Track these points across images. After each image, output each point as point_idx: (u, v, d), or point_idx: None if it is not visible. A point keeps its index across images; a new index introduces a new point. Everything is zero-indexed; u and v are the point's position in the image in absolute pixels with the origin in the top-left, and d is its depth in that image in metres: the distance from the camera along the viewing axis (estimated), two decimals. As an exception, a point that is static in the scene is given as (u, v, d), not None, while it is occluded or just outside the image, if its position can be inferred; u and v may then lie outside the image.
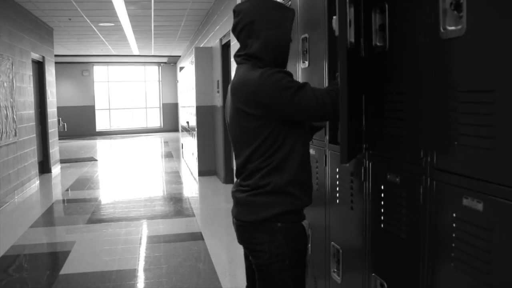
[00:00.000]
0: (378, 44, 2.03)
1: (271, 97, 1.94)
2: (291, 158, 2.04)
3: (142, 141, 18.99)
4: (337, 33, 1.86)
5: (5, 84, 7.79)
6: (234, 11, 2.10)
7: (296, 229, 2.10)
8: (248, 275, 2.39)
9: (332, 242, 2.62)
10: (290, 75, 2.02)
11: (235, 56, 2.15)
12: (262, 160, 2.04)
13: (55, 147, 11.51)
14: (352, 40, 1.94)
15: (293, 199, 2.06)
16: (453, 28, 1.54)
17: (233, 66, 7.34)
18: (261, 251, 2.09)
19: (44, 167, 10.70)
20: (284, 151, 2.03)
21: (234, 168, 2.20)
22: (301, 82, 2.01)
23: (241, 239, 2.20)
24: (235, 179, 2.21)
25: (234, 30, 2.11)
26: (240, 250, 5.09)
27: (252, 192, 2.07)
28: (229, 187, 8.67)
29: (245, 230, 2.14)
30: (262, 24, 2.03)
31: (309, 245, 2.21)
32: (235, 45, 7.17)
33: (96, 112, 21.67)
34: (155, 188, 9.29)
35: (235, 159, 2.18)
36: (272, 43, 2.04)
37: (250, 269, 2.29)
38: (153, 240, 5.57)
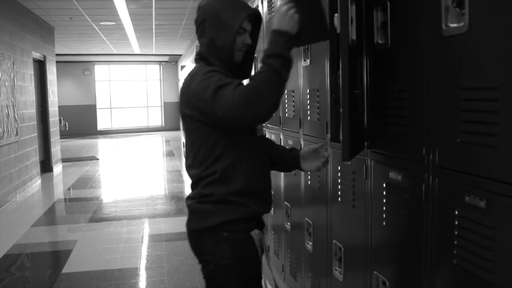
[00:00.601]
0: (380, 41, 2.02)
1: (194, 96, 1.87)
2: (238, 170, 1.93)
3: (143, 140, 19.00)
4: (338, 30, 1.86)
5: (6, 83, 7.80)
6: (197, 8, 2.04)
7: (243, 239, 1.98)
8: None
9: (334, 240, 2.62)
10: (227, 75, 1.90)
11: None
12: (204, 168, 1.95)
13: (57, 146, 11.52)
14: (354, 37, 1.93)
15: (240, 207, 1.95)
16: (455, 25, 1.54)
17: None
18: (206, 261, 2.01)
19: (46, 166, 10.71)
20: (227, 162, 1.91)
21: None
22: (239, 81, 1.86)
23: (191, 248, 2.09)
24: None
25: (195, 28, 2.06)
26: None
27: (198, 200, 1.99)
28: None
29: (192, 238, 2.05)
30: (211, 23, 1.95)
31: (265, 256, 2.10)
32: (236, 44, 7.16)
33: (98, 111, 21.67)
34: (156, 187, 9.30)
35: None
36: (215, 44, 1.95)
37: None
38: (155, 239, 5.58)
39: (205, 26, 1.98)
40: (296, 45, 1.92)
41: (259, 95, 1.75)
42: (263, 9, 3.90)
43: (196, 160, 1.98)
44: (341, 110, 1.84)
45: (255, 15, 2.04)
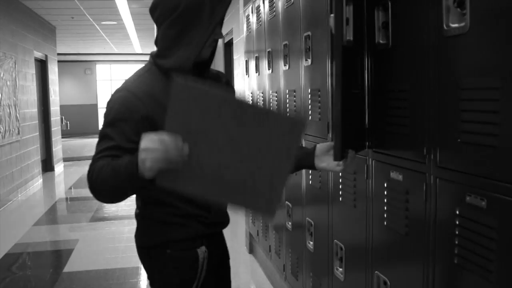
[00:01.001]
0: (381, 41, 2.02)
1: None
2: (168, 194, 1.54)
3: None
4: (333, 31, 1.85)
5: (8, 82, 7.81)
6: None
7: (190, 257, 1.83)
8: None
9: (335, 240, 2.62)
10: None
11: None
12: None
13: (58, 146, 11.53)
14: (351, 38, 1.93)
15: (184, 228, 1.80)
16: (456, 25, 1.54)
17: (236, 64, 7.35)
18: (151, 279, 1.88)
19: (47, 166, 10.72)
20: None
21: None
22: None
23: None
24: None
25: None
26: (241, 247, 5.10)
27: (141, 215, 1.88)
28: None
29: (139, 254, 1.92)
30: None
31: (200, 276, 1.87)
32: (237, 43, 7.17)
33: (99, 110, 21.67)
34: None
35: None
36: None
37: None
38: (156, 238, 5.58)
39: (164, 17, 1.72)
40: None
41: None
42: (264, 8, 3.91)
43: None
44: (332, 109, 1.77)
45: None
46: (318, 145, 1.86)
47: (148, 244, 1.86)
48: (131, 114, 1.62)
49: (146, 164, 1.36)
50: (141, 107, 1.63)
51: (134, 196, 1.82)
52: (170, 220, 1.80)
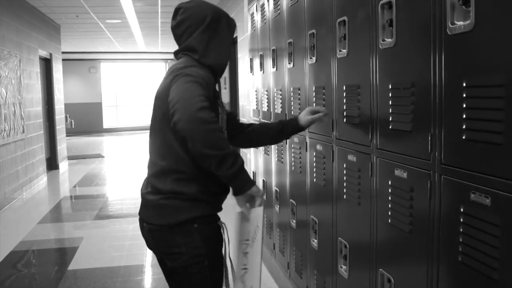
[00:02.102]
0: (386, 39, 2.02)
1: None
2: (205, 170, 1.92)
3: (147, 137, 18.99)
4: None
5: (13, 81, 7.83)
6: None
7: (213, 228, 2.08)
8: (168, 281, 2.23)
9: (339, 238, 2.62)
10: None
11: None
12: (174, 163, 2.00)
13: (63, 144, 11.56)
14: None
15: (209, 205, 2.05)
16: (461, 23, 1.54)
17: (240, 62, 7.35)
18: (178, 253, 2.01)
19: (52, 164, 10.75)
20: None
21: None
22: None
23: (154, 244, 2.10)
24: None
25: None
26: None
27: (165, 196, 2.01)
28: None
29: (158, 233, 2.04)
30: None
31: (226, 249, 2.13)
32: (242, 42, 7.18)
33: (103, 108, 21.72)
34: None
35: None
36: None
37: (168, 274, 2.19)
38: (161, 236, 5.59)
39: (202, 22, 2.14)
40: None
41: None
42: (269, 6, 3.91)
43: (167, 152, 2.03)
44: None
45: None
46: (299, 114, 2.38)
47: (176, 221, 1.99)
48: (208, 85, 1.96)
49: (253, 191, 1.94)
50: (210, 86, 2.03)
51: (146, 189, 2.11)
52: (201, 197, 2.01)
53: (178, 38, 2.17)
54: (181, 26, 2.14)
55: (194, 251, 2.00)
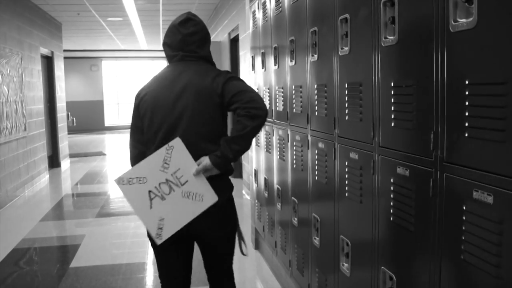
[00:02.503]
0: (388, 36, 2.02)
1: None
2: None
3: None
4: None
5: (14, 79, 7.84)
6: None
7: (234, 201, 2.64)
8: (177, 264, 2.59)
9: (341, 236, 2.62)
10: None
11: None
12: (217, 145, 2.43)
13: (64, 142, 11.57)
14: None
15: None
16: (464, 20, 1.53)
17: (242, 60, 7.34)
18: (227, 221, 2.57)
19: (54, 162, 10.76)
20: None
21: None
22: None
23: (215, 215, 2.45)
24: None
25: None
26: (247, 243, 5.10)
27: (222, 178, 2.49)
28: (238, 181, 8.68)
29: (221, 206, 2.45)
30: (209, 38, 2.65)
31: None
32: (243, 39, 7.17)
33: (105, 106, 21.73)
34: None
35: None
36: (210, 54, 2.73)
37: (187, 251, 2.60)
38: (162, 234, 5.59)
39: (208, 38, 2.61)
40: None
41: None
42: (270, 4, 3.91)
43: (217, 137, 2.43)
44: None
45: None
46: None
47: (229, 197, 2.54)
48: None
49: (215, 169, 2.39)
50: None
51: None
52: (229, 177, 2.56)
53: (187, 43, 2.51)
54: (195, 36, 2.52)
55: (236, 217, 2.62)
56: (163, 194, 2.38)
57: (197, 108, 2.39)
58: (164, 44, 2.62)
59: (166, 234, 2.38)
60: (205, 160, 2.34)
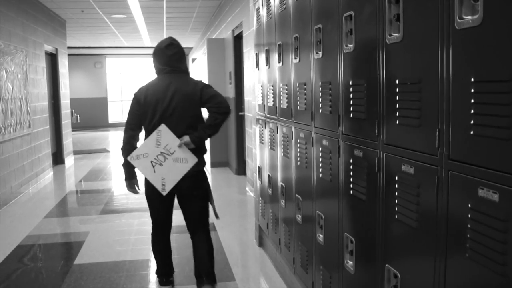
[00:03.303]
0: (393, 34, 2.01)
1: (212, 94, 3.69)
2: None
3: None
4: None
5: (19, 76, 7.85)
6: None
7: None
8: (165, 209, 3.77)
9: (345, 233, 2.62)
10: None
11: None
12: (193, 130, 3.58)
13: (68, 139, 11.59)
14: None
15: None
16: (469, 17, 1.53)
17: (246, 57, 7.34)
18: (201, 187, 3.71)
19: (58, 159, 10.78)
20: None
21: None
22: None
23: (191, 182, 3.61)
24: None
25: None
26: (251, 240, 5.11)
27: (199, 151, 3.65)
28: (241, 179, 8.69)
29: (197, 176, 3.66)
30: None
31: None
32: (247, 37, 7.16)
33: (109, 103, 21.76)
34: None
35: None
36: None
37: (172, 202, 3.75)
38: (166, 231, 5.59)
39: (184, 55, 3.70)
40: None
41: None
42: (275, 1, 3.90)
43: (195, 123, 3.58)
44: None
45: None
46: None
47: (201, 169, 3.73)
48: None
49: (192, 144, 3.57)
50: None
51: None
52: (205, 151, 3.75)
53: (171, 61, 3.60)
54: (176, 56, 3.62)
55: (208, 184, 3.79)
56: (161, 162, 3.50)
57: (184, 107, 3.52)
58: (154, 63, 3.69)
59: (168, 187, 3.52)
60: (186, 137, 3.48)
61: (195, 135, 3.48)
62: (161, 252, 3.88)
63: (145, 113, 3.55)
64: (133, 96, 3.66)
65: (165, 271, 3.94)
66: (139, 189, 3.76)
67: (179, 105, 3.50)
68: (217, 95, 3.54)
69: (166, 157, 3.47)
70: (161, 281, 3.94)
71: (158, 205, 3.72)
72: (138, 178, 3.74)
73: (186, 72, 3.67)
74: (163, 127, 3.45)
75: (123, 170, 3.67)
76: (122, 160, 3.64)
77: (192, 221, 3.77)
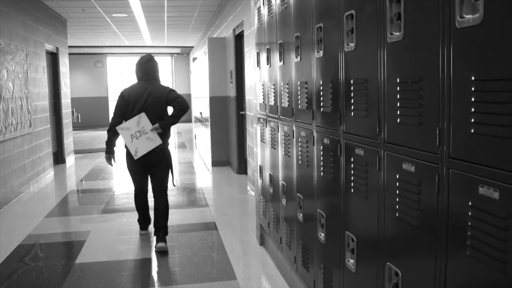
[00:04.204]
0: (393, 32, 2.02)
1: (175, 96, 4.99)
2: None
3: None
4: None
5: (20, 75, 7.86)
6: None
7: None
8: (142, 177, 5.12)
9: (346, 231, 2.62)
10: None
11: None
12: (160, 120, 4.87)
13: (69, 138, 11.60)
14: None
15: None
16: (470, 16, 1.53)
17: (247, 56, 7.34)
18: (166, 160, 5.03)
19: (59, 158, 10.79)
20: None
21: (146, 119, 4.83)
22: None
23: (159, 156, 4.93)
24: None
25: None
26: (252, 239, 5.11)
27: (163, 134, 4.91)
28: (242, 178, 8.70)
29: (164, 153, 5.00)
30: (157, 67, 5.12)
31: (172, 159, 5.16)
32: (248, 36, 7.17)
33: (110, 103, 21.75)
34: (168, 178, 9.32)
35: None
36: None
37: (146, 172, 5.07)
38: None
39: (157, 67, 5.09)
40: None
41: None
42: (276, 0, 3.90)
43: (163, 116, 4.89)
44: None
45: None
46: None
47: (166, 148, 4.98)
48: None
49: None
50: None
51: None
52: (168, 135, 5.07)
53: (148, 72, 4.97)
54: (153, 68, 5.01)
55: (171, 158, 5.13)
56: (137, 136, 4.80)
57: (155, 105, 4.86)
58: (136, 72, 5.04)
59: (139, 155, 4.84)
60: (156, 125, 4.78)
61: (162, 123, 4.82)
62: (141, 208, 5.39)
63: (127, 107, 4.89)
64: (120, 93, 5.04)
65: (144, 221, 5.49)
66: (115, 162, 5.19)
67: (151, 104, 4.86)
68: (178, 97, 4.90)
69: (141, 134, 4.80)
70: (141, 227, 5.51)
71: (137, 175, 5.09)
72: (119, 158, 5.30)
73: (158, 80, 5.05)
74: (143, 114, 4.79)
75: (105, 146, 5.15)
76: (106, 139, 5.09)
77: (156, 186, 5.06)
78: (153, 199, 5.11)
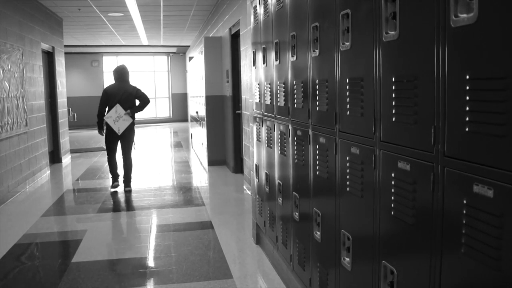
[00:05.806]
0: (389, 32, 2.03)
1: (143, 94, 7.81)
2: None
3: (151, 131, 19.04)
4: None
5: (15, 74, 7.84)
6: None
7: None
8: (113, 143, 7.67)
9: (342, 230, 2.63)
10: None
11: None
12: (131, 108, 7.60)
13: (65, 137, 11.59)
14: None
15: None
16: (464, 15, 1.54)
17: (243, 55, 7.34)
18: (131, 133, 7.67)
19: (55, 157, 10.78)
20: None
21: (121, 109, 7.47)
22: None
23: (126, 130, 7.52)
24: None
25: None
26: (248, 238, 5.12)
27: (132, 117, 7.58)
28: (239, 177, 8.70)
29: (130, 128, 7.59)
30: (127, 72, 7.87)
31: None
32: (244, 35, 7.17)
33: (106, 102, 21.69)
34: (164, 177, 9.34)
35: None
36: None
37: (115, 139, 7.63)
38: (163, 229, 5.61)
39: (128, 72, 7.84)
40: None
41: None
42: (272, 0, 3.91)
43: (132, 105, 7.61)
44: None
45: None
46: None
47: (132, 125, 7.67)
48: None
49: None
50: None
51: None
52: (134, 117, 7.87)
53: (122, 75, 7.66)
54: (126, 74, 7.73)
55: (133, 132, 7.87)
56: (117, 120, 7.37)
57: (128, 98, 7.49)
58: (114, 75, 7.64)
59: (120, 131, 7.40)
60: (128, 111, 7.38)
61: (132, 110, 7.47)
62: (113, 167, 7.77)
63: (108, 100, 7.48)
64: (103, 90, 7.64)
65: (114, 177, 7.83)
66: (103, 134, 7.65)
67: (125, 97, 7.48)
68: (143, 94, 7.66)
69: (119, 119, 7.39)
70: (113, 183, 7.81)
71: (111, 143, 7.65)
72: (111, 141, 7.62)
73: (129, 82, 7.70)
74: (118, 105, 7.39)
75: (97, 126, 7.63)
76: (97, 120, 7.59)
77: (124, 149, 7.62)
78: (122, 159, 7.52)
